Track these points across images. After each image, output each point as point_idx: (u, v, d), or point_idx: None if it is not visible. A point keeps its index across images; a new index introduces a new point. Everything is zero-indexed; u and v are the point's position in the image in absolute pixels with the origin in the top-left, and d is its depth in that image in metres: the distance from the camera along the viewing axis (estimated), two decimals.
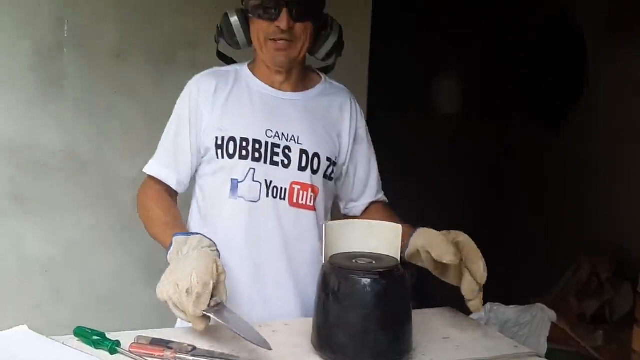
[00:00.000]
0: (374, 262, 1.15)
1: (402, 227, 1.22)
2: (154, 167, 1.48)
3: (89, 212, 2.35)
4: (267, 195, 1.40)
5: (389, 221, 1.28)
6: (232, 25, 1.43)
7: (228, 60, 1.56)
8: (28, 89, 2.24)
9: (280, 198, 1.41)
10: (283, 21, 1.34)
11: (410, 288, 1.17)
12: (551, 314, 2.33)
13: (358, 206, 1.59)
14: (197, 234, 1.26)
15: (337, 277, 1.11)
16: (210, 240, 1.24)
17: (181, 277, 1.10)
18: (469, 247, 1.26)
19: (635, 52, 3.04)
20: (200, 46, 2.40)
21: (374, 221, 1.29)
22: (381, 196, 1.61)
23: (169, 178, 1.46)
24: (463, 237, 1.27)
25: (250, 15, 1.40)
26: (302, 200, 1.43)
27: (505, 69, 4.49)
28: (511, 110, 4.43)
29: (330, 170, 1.47)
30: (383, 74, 2.92)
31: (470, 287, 1.24)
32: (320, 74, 1.56)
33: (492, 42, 4.47)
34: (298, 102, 1.48)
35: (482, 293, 1.25)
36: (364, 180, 1.58)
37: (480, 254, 1.26)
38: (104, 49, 2.31)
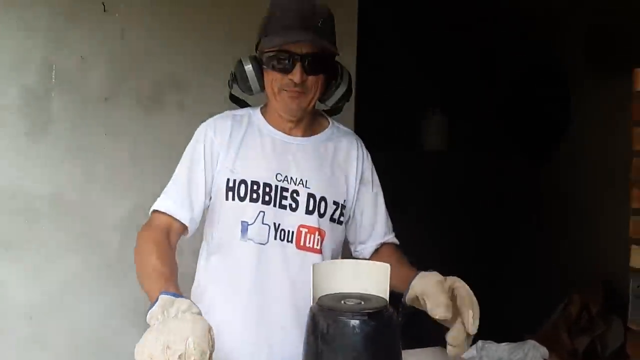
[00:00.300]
0: (362, 302, 1.14)
1: (407, 269, 1.25)
2: (166, 204, 1.45)
3: (75, 257, 2.32)
4: (275, 238, 1.42)
5: (398, 264, 1.30)
6: (245, 73, 1.46)
7: (241, 104, 1.59)
8: (15, 133, 2.24)
9: (288, 241, 1.43)
10: (296, 75, 1.38)
11: (399, 328, 1.16)
12: (543, 351, 2.30)
13: (367, 248, 1.60)
14: (185, 298, 1.15)
15: (325, 319, 1.11)
16: (198, 308, 1.13)
17: (174, 340, 1.00)
18: (463, 293, 1.26)
19: (614, 87, 3.10)
20: (188, 89, 2.43)
21: (362, 261, 1.30)
22: (391, 237, 1.62)
23: (183, 216, 1.44)
24: (459, 284, 1.28)
25: (264, 66, 1.43)
26: (309, 243, 1.45)
27: (492, 106, 4.56)
28: (498, 146, 4.49)
29: (337, 213, 1.49)
30: (369, 112, 2.95)
31: (457, 335, 1.23)
32: (328, 118, 1.59)
33: (478, 79, 4.55)
34: (307, 147, 1.51)
35: (470, 339, 1.25)
36: (371, 222, 1.59)
37: (475, 302, 1.26)
38: (92, 92, 2.33)
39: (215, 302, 1.45)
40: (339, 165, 1.54)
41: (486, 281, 4.33)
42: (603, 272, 3.15)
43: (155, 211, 1.44)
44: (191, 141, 1.50)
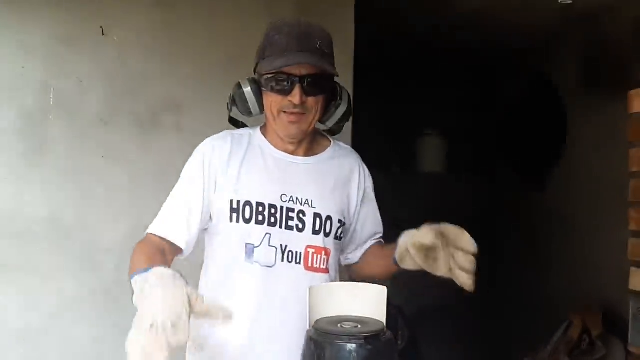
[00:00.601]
0: (359, 326, 1.13)
1: (390, 246, 1.30)
2: (161, 227, 1.43)
3: (71, 279, 2.31)
4: (283, 260, 1.41)
5: (379, 253, 1.35)
6: (245, 95, 1.45)
7: (239, 125, 1.58)
8: (13, 156, 2.25)
9: (296, 262, 1.42)
10: (296, 96, 1.38)
11: (396, 351, 1.15)
12: None
13: (357, 254, 1.61)
14: (157, 266, 1.13)
15: (322, 343, 1.10)
16: (173, 270, 1.11)
17: (152, 317, 0.99)
18: (453, 230, 1.28)
19: (609, 109, 3.12)
20: (185, 110, 2.43)
21: (359, 283, 1.28)
22: (377, 238, 1.63)
23: (178, 239, 1.42)
24: (447, 226, 1.30)
25: (263, 88, 1.43)
26: (317, 263, 1.44)
27: (489, 129, 4.58)
28: (495, 167, 4.50)
29: (340, 231, 1.49)
30: (366, 134, 2.96)
31: (465, 259, 1.24)
32: (329, 137, 1.59)
33: (475, 103, 4.58)
34: (310, 167, 1.51)
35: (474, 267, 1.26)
36: (370, 236, 1.61)
37: (466, 232, 1.28)
38: (89, 114, 2.34)
39: (215, 329, 1.39)
40: (342, 183, 1.54)
41: (485, 304, 4.32)
42: (603, 295, 3.13)
43: (150, 234, 1.43)
44: (188, 161, 1.49)
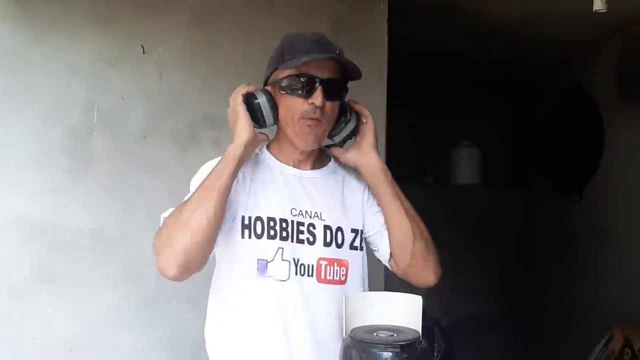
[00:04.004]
0: (394, 334, 1.15)
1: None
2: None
3: (115, 291, 2.37)
4: (296, 274, 1.40)
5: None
6: (260, 105, 1.45)
7: None
8: (58, 171, 2.33)
9: (309, 275, 1.41)
10: (318, 97, 1.37)
11: None
12: None
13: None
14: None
15: (357, 352, 1.12)
16: None
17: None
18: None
19: None
20: (223, 126, 2.45)
21: (394, 293, 1.29)
22: None
23: None
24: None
25: (282, 92, 1.42)
26: (330, 275, 1.43)
27: (525, 140, 4.54)
28: (533, 178, 4.45)
29: (357, 240, 1.48)
30: (401, 146, 2.98)
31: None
32: (327, 152, 1.59)
33: (511, 113, 4.55)
34: (318, 180, 1.51)
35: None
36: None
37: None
38: (131, 131, 2.41)
39: (235, 342, 1.43)
40: (351, 192, 1.54)
41: (524, 317, 4.26)
42: None
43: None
44: (198, 173, 1.50)
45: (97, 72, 2.38)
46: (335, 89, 1.41)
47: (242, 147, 1.38)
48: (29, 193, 2.30)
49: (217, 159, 1.46)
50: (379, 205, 1.51)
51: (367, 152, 1.48)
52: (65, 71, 2.35)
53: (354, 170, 1.55)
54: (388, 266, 1.55)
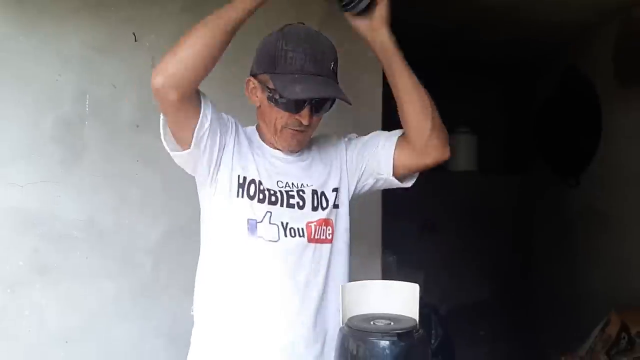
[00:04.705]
0: (392, 323, 1.14)
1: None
2: None
3: (109, 281, 2.36)
4: (286, 235, 1.44)
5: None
6: None
7: None
8: (50, 162, 2.31)
9: (300, 236, 1.45)
10: (305, 117, 1.41)
11: (429, 348, 1.15)
12: None
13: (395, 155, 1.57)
14: None
15: (355, 340, 1.11)
16: None
17: None
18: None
19: None
20: None
21: (391, 281, 1.29)
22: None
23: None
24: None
25: (269, 101, 1.44)
26: (319, 234, 1.48)
27: (521, 126, 4.53)
28: (530, 164, 4.44)
29: (335, 199, 1.52)
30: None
31: None
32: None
33: (508, 98, 4.53)
34: (304, 163, 1.55)
35: None
36: (385, 147, 1.57)
37: None
38: (124, 120, 2.38)
39: (226, 301, 1.45)
40: (328, 154, 1.57)
41: (521, 302, 4.26)
42: None
43: None
44: None
45: (88, 61, 2.35)
46: (323, 106, 1.44)
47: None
48: (21, 184, 2.28)
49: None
50: (391, 79, 1.52)
51: (378, 26, 1.46)
52: (55, 60, 2.31)
53: (330, 136, 1.60)
54: (393, 180, 1.55)
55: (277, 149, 1.52)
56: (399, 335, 1.09)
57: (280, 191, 1.46)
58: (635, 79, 3.19)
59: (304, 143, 1.50)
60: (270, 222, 1.43)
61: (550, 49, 4.02)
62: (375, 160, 1.55)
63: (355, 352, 1.09)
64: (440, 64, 4.21)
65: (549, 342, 3.81)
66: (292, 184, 1.48)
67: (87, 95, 2.34)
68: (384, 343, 1.08)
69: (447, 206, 4.18)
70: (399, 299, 1.21)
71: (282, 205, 1.44)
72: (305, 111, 1.40)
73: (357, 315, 1.18)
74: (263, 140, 1.54)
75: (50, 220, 2.31)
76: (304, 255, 1.45)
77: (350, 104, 1.44)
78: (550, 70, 4.19)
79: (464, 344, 3.31)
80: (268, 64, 1.43)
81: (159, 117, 2.43)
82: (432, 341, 3.01)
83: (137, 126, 2.40)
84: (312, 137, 1.58)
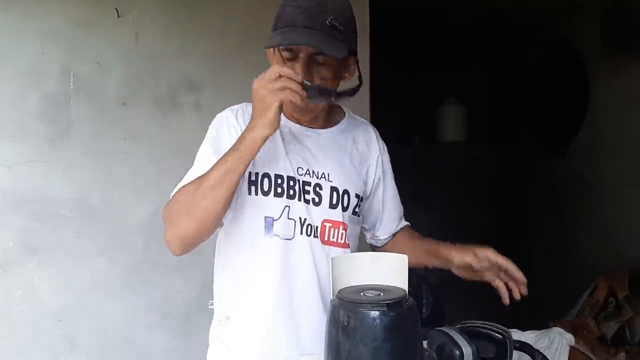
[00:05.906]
0: (381, 294, 1.15)
1: (434, 243, 1.44)
2: (196, 173, 1.35)
3: (101, 259, 2.36)
4: (302, 233, 1.39)
5: (420, 244, 1.47)
6: None
7: None
8: (37, 141, 2.29)
9: (314, 236, 1.40)
10: (298, 68, 1.32)
11: (418, 317, 1.17)
12: (569, 338, 2.29)
13: (385, 237, 1.60)
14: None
15: (345, 311, 1.11)
16: None
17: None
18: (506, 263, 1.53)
19: (632, 71, 3.06)
20: (204, 89, 2.45)
21: (380, 253, 1.30)
22: (404, 222, 1.62)
23: None
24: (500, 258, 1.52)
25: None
26: (333, 237, 1.42)
27: (509, 96, 4.52)
28: (518, 134, 4.45)
29: (358, 206, 1.47)
30: (385, 105, 2.95)
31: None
32: (344, 108, 1.55)
33: (494, 70, 4.51)
34: (326, 139, 1.47)
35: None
36: (397, 218, 1.59)
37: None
38: (109, 97, 2.36)
39: (240, 300, 1.43)
40: (359, 156, 1.50)
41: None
42: (628, 258, 3.12)
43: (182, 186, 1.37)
44: (210, 127, 1.44)
45: (72, 37, 2.32)
46: (321, 63, 1.33)
47: (262, 141, 1.27)
48: (8, 164, 2.26)
49: (227, 115, 1.43)
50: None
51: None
52: (38, 36, 2.29)
53: (366, 133, 1.53)
54: (364, 227, 1.59)
55: (297, 123, 1.44)
56: (388, 305, 1.09)
57: (299, 181, 1.39)
58: (622, 47, 3.19)
59: (311, 106, 1.36)
60: (288, 217, 1.38)
61: (539, 19, 4.00)
62: (377, 219, 1.58)
63: (346, 323, 1.10)
64: (428, 34, 4.18)
65: (538, 308, 3.87)
66: (313, 172, 1.41)
67: (72, 73, 2.32)
68: (374, 313, 1.08)
69: (436, 177, 4.19)
70: (389, 270, 1.21)
71: (300, 199, 1.38)
72: (297, 68, 1.30)
73: (347, 287, 1.18)
74: (284, 112, 1.38)
75: (39, 200, 2.30)
76: (316, 258, 1.41)
77: (339, 58, 1.32)
78: (538, 39, 4.17)
79: (455, 312, 3.35)
80: (272, 25, 1.36)
81: (146, 93, 2.42)
82: (423, 310, 3.04)
83: (124, 104, 2.38)
84: (351, 122, 1.52)
